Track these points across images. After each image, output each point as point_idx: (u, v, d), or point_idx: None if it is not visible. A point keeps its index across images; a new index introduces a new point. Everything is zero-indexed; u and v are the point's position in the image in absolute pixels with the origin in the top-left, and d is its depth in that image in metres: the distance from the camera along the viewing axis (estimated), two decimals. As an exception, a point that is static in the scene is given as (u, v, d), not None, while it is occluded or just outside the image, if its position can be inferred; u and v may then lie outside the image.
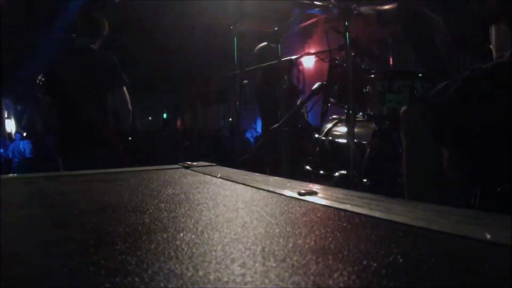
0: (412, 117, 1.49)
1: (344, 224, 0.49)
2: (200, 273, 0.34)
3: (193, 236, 0.45)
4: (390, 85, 2.10)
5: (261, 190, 0.74)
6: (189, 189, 0.79)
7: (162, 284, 0.31)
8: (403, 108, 1.53)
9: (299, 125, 2.98)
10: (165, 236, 0.45)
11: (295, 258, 0.37)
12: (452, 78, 1.48)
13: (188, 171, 1.10)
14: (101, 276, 0.33)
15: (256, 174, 0.96)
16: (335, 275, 0.32)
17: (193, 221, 0.52)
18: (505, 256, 0.37)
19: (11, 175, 1.08)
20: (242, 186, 0.81)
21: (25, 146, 10.96)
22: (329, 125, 2.52)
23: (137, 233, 0.47)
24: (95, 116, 2.36)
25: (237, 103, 2.99)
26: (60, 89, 2.43)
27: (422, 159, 1.48)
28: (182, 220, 0.53)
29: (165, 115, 16.85)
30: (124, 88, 2.50)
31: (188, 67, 11.35)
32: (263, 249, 0.39)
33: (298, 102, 2.85)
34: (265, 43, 3.28)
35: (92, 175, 1.09)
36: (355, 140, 2.05)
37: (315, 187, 0.72)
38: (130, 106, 2.52)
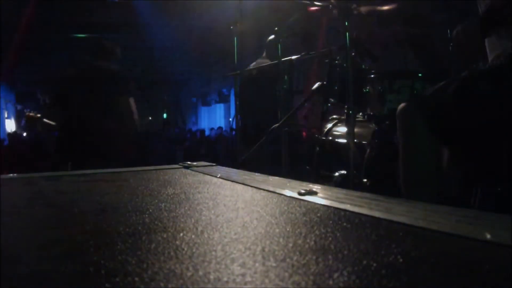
0: (409, 115, 1.49)
1: (344, 224, 0.49)
2: (200, 273, 0.34)
3: (193, 236, 0.45)
4: (390, 85, 2.10)
5: (261, 190, 0.74)
6: (189, 189, 0.79)
7: (162, 284, 0.31)
8: (400, 106, 1.52)
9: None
10: (165, 236, 0.45)
11: (295, 258, 0.37)
12: (450, 77, 1.48)
13: (188, 171, 1.10)
14: (101, 276, 0.33)
15: (256, 174, 0.96)
16: (335, 275, 0.32)
17: (193, 221, 0.52)
18: (505, 256, 0.37)
19: (11, 175, 1.08)
20: (242, 186, 0.81)
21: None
22: (329, 125, 2.52)
23: (137, 233, 0.47)
24: (103, 123, 2.66)
25: (237, 103, 2.99)
26: (74, 100, 2.75)
27: (419, 156, 1.48)
28: (182, 220, 0.53)
29: (165, 115, 16.85)
30: (131, 99, 2.81)
31: (188, 67, 11.36)
32: (263, 249, 0.39)
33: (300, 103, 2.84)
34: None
35: (92, 175, 1.09)
36: (355, 140, 2.05)
37: (315, 187, 0.72)
38: (135, 115, 2.83)
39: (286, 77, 2.82)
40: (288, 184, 0.79)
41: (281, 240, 0.43)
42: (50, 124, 3.29)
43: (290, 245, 0.41)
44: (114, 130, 2.73)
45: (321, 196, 0.65)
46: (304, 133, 3.28)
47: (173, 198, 0.69)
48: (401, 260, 0.36)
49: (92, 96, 2.70)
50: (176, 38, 8.65)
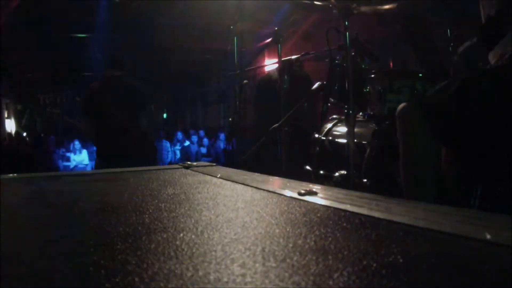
0: (409, 115, 1.49)
1: (344, 224, 0.49)
2: (200, 273, 0.34)
3: (193, 236, 0.45)
4: (390, 85, 2.10)
5: (261, 190, 0.74)
6: (189, 189, 0.79)
7: (162, 284, 0.31)
8: (400, 106, 1.52)
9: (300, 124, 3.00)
10: (165, 236, 0.45)
11: (295, 258, 0.37)
12: (451, 77, 1.48)
13: (188, 171, 1.10)
14: (101, 276, 0.33)
15: (256, 174, 0.96)
16: (335, 275, 0.32)
17: (193, 221, 0.52)
18: (505, 256, 0.37)
19: (11, 175, 1.08)
20: (242, 186, 0.81)
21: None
22: (329, 125, 2.52)
23: (137, 233, 0.47)
24: (128, 127, 3.02)
25: (237, 103, 2.99)
26: (98, 107, 3.07)
27: (419, 156, 1.48)
28: (182, 220, 0.53)
29: (165, 115, 16.83)
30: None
31: (188, 67, 11.35)
32: (263, 249, 0.39)
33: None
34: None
35: (92, 175, 1.09)
36: (355, 140, 2.05)
37: (315, 187, 0.72)
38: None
39: (286, 77, 2.83)
40: (288, 184, 0.79)
41: (281, 240, 0.43)
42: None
43: (290, 245, 0.41)
44: (144, 134, 3.10)
45: (321, 196, 0.65)
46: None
47: (173, 198, 0.69)
48: (401, 260, 0.36)
49: (123, 106, 3.03)
50: (176, 38, 8.64)
